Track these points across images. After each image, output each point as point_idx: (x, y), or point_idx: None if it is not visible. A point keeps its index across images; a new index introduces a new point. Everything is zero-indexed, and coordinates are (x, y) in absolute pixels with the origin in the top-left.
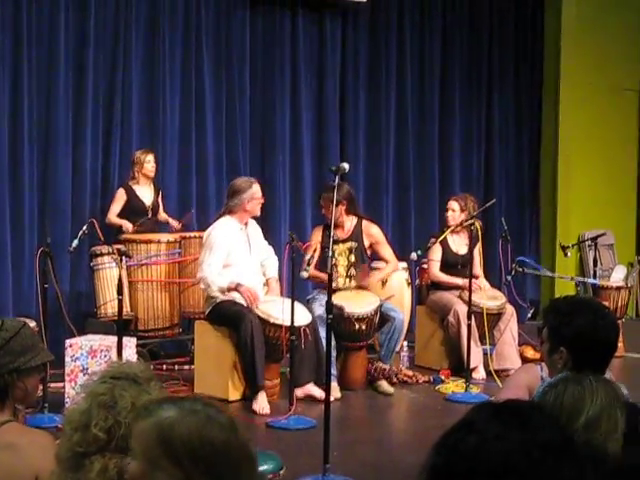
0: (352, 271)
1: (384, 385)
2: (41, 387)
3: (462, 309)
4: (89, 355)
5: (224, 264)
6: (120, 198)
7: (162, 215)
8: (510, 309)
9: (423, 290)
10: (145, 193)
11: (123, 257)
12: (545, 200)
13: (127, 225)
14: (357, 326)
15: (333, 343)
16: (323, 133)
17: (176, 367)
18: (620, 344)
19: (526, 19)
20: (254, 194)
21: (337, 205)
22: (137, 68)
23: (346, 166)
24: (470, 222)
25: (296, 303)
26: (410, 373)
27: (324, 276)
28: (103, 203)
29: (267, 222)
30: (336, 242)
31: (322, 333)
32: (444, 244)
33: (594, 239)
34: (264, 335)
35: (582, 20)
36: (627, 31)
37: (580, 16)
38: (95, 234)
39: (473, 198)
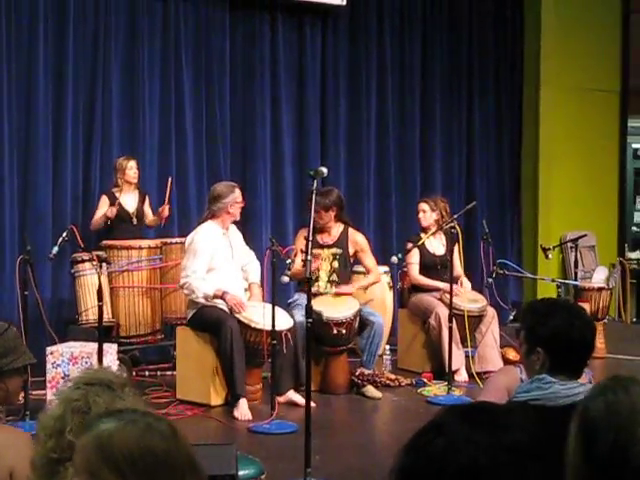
0: (334, 277)
1: (371, 390)
2: (22, 395)
3: (443, 312)
4: (70, 362)
5: (207, 269)
6: (103, 205)
7: (150, 219)
8: (491, 311)
9: (405, 293)
10: (128, 200)
11: (103, 263)
12: (526, 202)
13: (111, 209)
14: (336, 331)
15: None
16: (304, 138)
17: (159, 373)
18: (602, 345)
19: (506, 21)
20: (236, 198)
21: (327, 210)
22: (117, 76)
23: (324, 170)
24: (451, 225)
25: (277, 308)
26: (392, 376)
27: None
28: (84, 210)
29: (248, 227)
30: (321, 247)
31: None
32: (420, 246)
33: (574, 240)
34: (245, 340)
35: (562, 22)
36: (607, 32)
37: (560, 18)
38: (75, 241)
39: (443, 199)
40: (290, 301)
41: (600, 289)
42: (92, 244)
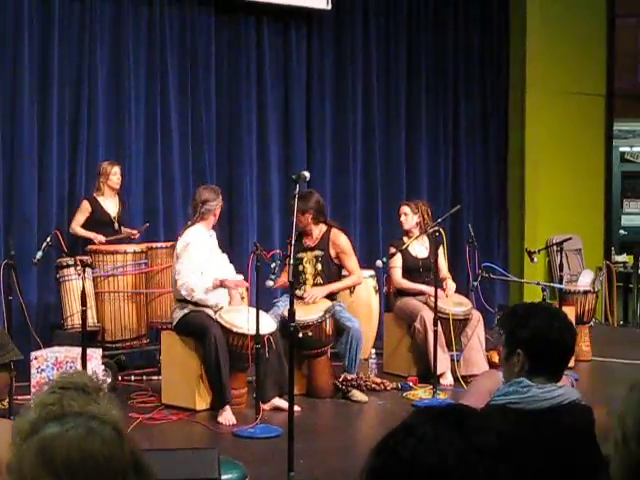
0: (319, 279)
1: (357, 394)
2: (7, 400)
3: (428, 315)
4: (55, 367)
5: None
6: (84, 209)
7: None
8: (477, 315)
9: (391, 297)
10: (110, 205)
11: (86, 268)
12: (513, 205)
13: (99, 238)
14: (301, 334)
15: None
16: (289, 141)
17: (144, 378)
18: (588, 348)
19: (491, 24)
20: (221, 201)
21: (304, 214)
22: (102, 80)
23: (307, 174)
24: (435, 229)
25: (261, 312)
26: (378, 380)
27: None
28: (69, 215)
29: (234, 231)
30: (305, 250)
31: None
32: (403, 250)
33: (560, 244)
34: (229, 345)
35: (547, 25)
36: (592, 36)
37: (545, 21)
38: (59, 246)
39: (424, 202)
40: (274, 301)
41: (586, 292)
42: (79, 248)
